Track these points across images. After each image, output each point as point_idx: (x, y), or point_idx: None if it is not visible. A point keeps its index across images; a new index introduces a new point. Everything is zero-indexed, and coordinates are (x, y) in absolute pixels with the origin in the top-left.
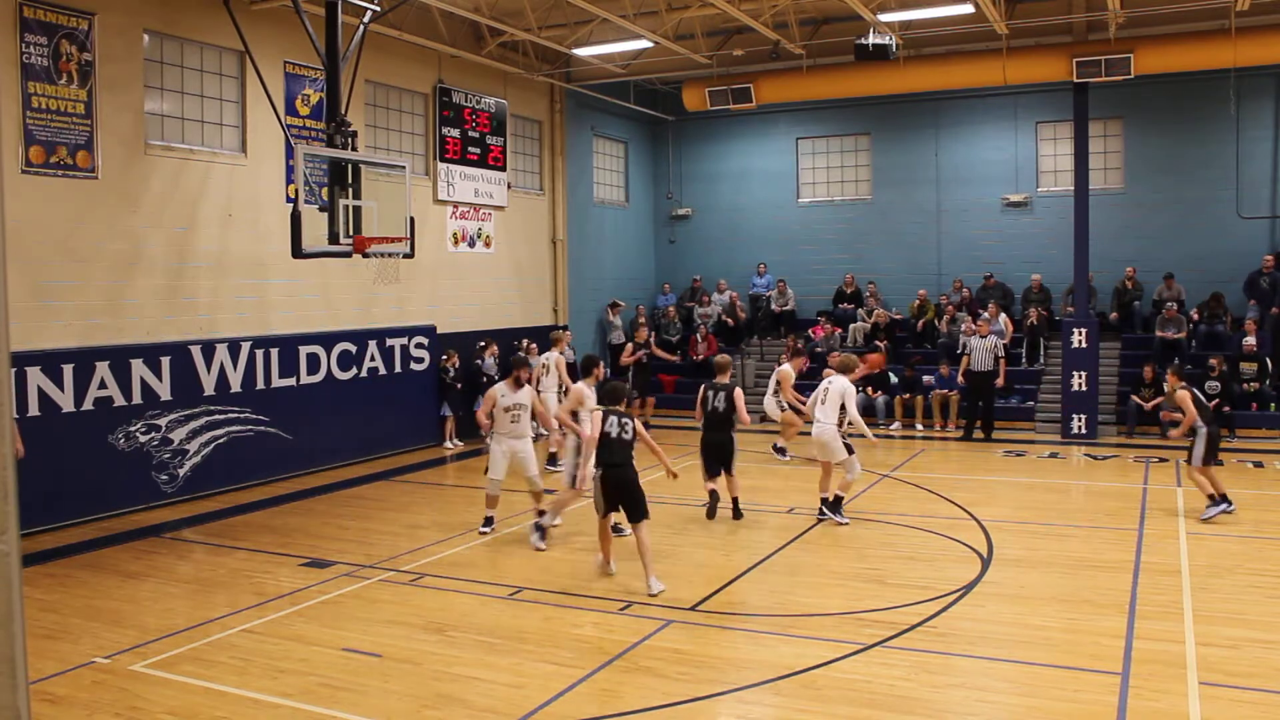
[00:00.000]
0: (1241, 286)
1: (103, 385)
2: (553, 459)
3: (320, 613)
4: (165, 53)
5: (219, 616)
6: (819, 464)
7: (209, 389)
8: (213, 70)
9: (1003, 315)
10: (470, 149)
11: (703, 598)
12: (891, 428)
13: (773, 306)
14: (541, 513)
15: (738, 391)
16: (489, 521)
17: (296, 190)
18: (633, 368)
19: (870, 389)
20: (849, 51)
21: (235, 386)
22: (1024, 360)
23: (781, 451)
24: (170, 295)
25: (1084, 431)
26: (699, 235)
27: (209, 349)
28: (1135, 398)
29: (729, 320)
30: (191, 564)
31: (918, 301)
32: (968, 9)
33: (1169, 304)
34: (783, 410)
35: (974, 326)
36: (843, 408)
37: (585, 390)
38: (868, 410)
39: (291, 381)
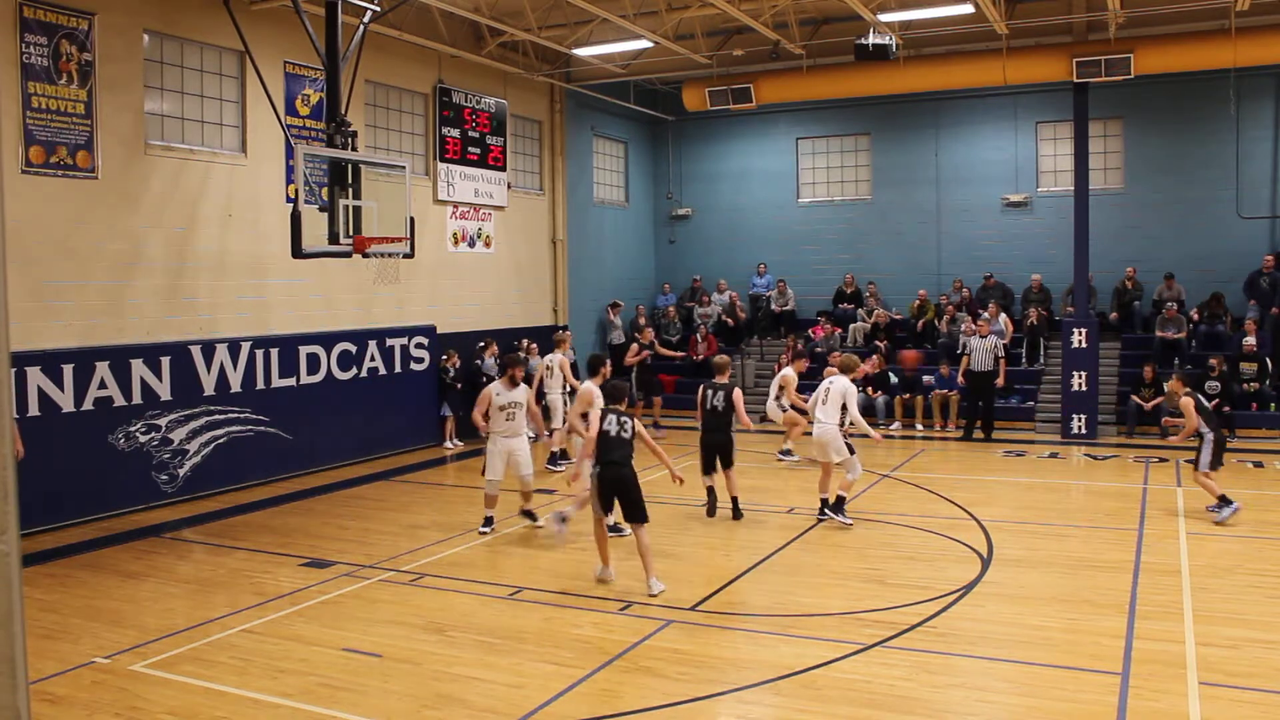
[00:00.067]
0: (1241, 286)
1: (103, 385)
2: (553, 458)
3: (320, 613)
4: (165, 53)
5: (219, 616)
6: (819, 464)
7: (209, 389)
8: (213, 70)
9: (1003, 315)
10: (470, 149)
11: (703, 598)
12: (891, 428)
13: (773, 306)
14: (527, 511)
15: (737, 391)
16: (489, 521)
17: (296, 190)
18: (636, 368)
19: (870, 389)
20: (849, 51)
21: (235, 386)
22: (1024, 360)
23: (788, 453)
24: (170, 295)
25: (1084, 431)
26: (699, 235)
27: (209, 349)
28: (1135, 398)
29: (729, 320)
30: (191, 564)
31: (918, 301)
32: (968, 9)
33: (1169, 304)
34: (784, 412)
35: (974, 326)
36: (844, 408)
37: (594, 389)
38: (868, 410)
39: (291, 381)
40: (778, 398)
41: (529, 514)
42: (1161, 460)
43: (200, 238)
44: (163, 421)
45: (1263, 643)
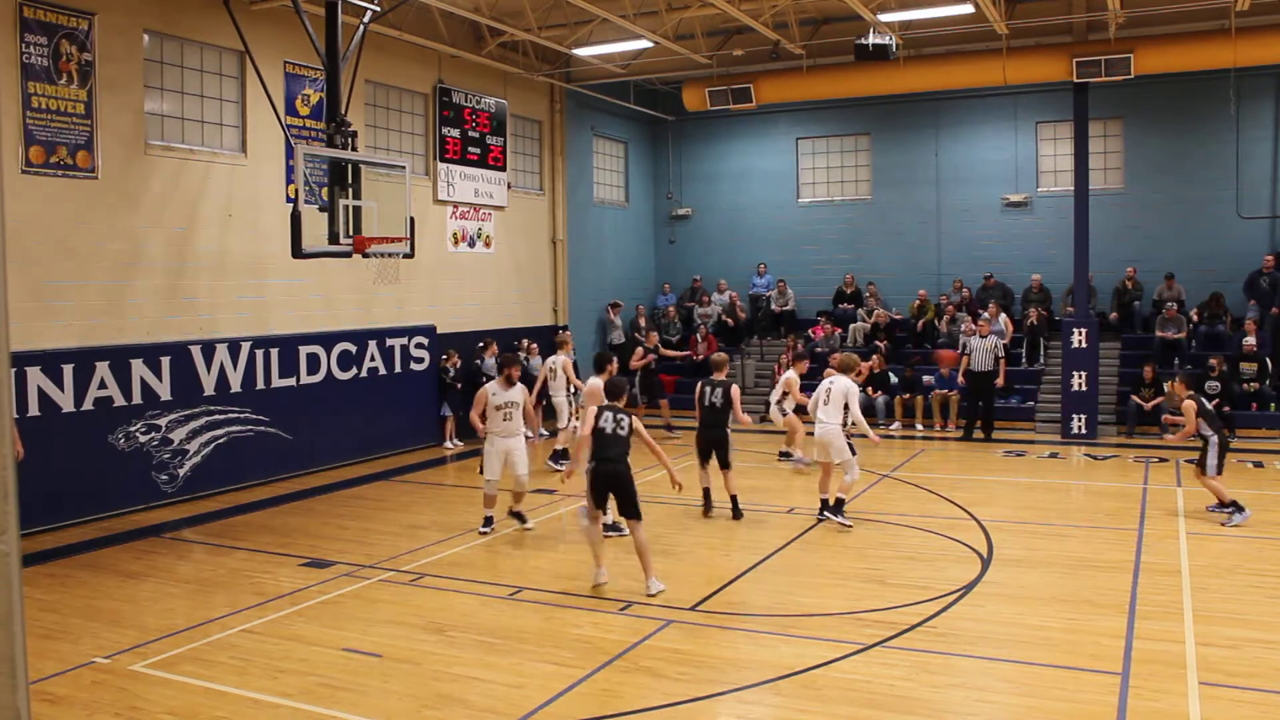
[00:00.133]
0: (1241, 286)
1: (103, 385)
2: (556, 456)
3: (320, 613)
4: (165, 53)
5: (219, 616)
6: (819, 464)
7: (209, 389)
8: (213, 70)
9: (1003, 315)
10: (470, 149)
11: (703, 598)
12: (891, 428)
13: (773, 306)
14: (517, 513)
15: (734, 388)
16: (489, 521)
17: (296, 190)
18: (640, 372)
19: (870, 389)
20: (849, 51)
21: (235, 386)
22: (1024, 360)
23: (789, 457)
24: (170, 295)
25: (1084, 431)
26: (699, 235)
27: (209, 349)
28: (1135, 398)
29: (729, 320)
30: (191, 564)
31: (918, 301)
32: (968, 9)
33: (1169, 304)
34: (784, 416)
35: (974, 326)
36: (845, 408)
37: (600, 385)
38: (868, 410)
39: (291, 381)
40: (780, 401)
41: (518, 515)
42: (1161, 460)
43: (200, 238)
44: (163, 421)
45: (1263, 643)
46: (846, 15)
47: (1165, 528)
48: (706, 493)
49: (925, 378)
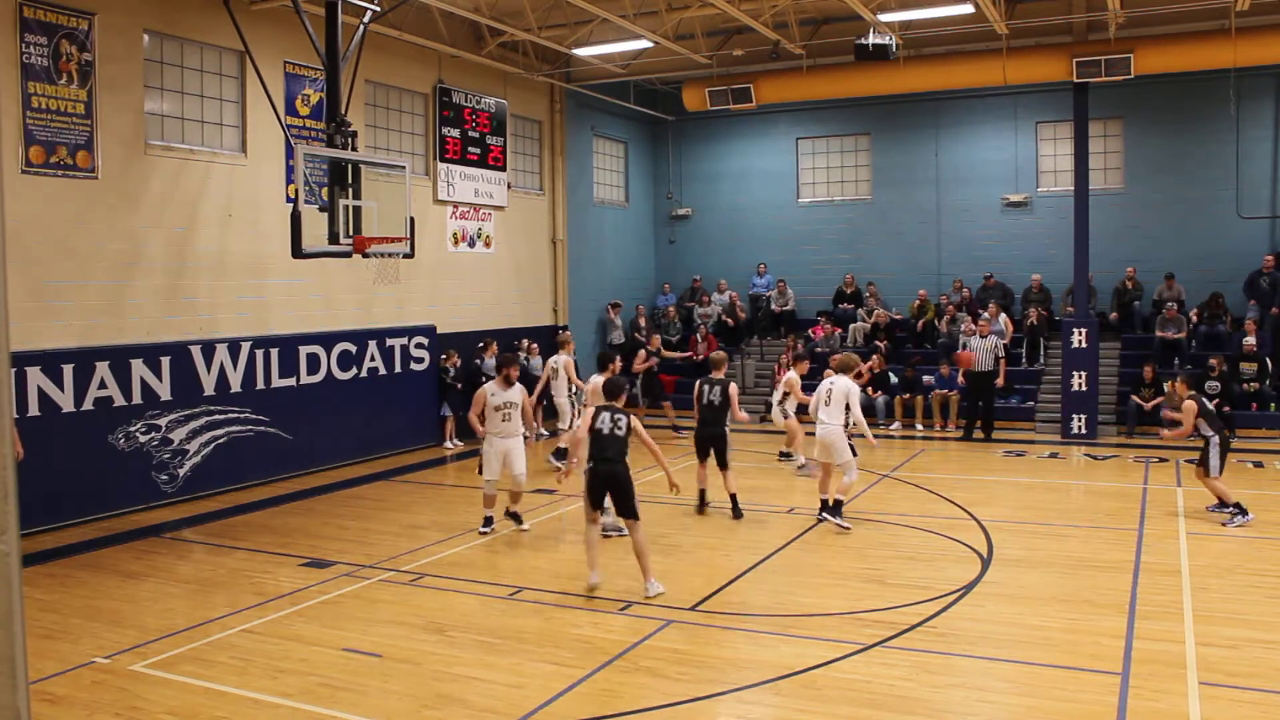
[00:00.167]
0: (1241, 286)
1: (103, 385)
2: (559, 454)
3: (320, 613)
4: (165, 53)
5: (219, 616)
6: (821, 465)
7: (209, 389)
8: (213, 70)
9: (1003, 315)
10: (470, 149)
11: (703, 598)
12: (891, 428)
13: (773, 306)
14: (513, 514)
15: (732, 386)
16: (488, 521)
17: (296, 190)
18: (642, 375)
19: (871, 389)
20: (849, 51)
21: (235, 386)
22: (1024, 360)
23: (790, 458)
24: (170, 295)
25: (1084, 431)
26: (699, 235)
27: (209, 349)
28: (1135, 398)
29: (729, 320)
30: (191, 564)
31: (918, 301)
32: (968, 9)
33: (1169, 304)
34: (786, 418)
35: (974, 327)
36: (846, 408)
37: (601, 384)
38: (868, 410)
39: (291, 381)
40: (781, 402)
41: (515, 516)
42: (1161, 460)
43: (200, 238)
44: (163, 421)
45: (1263, 643)
46: (846, 15)
47: (1165, 528)
48: (702, 493)
49: (925, 378)
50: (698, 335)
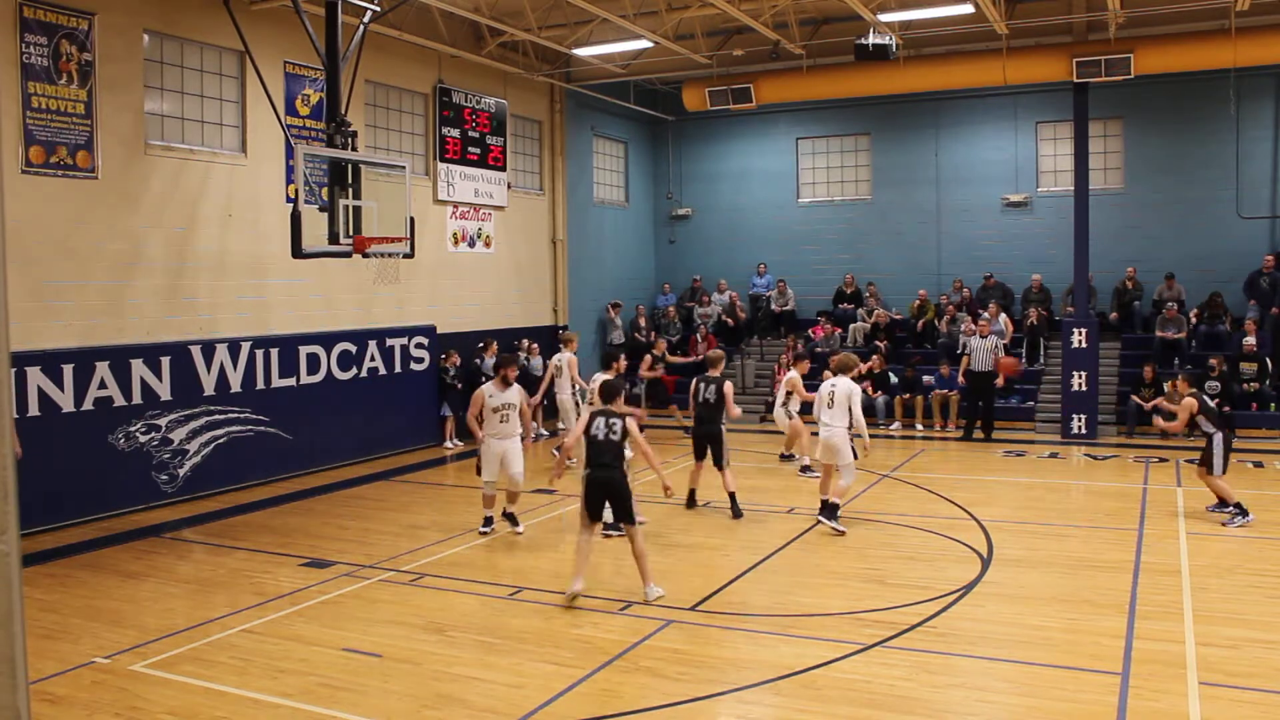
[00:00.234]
0: (1241, 286)
1: (103, 385)
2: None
3: (320, 613)
4: (165, 53)
5: (219, 616)
6: (823, 466)
7: (209, 389)
8: (213, 70)
9: (1003, 315)
10: (470, 149)
11: (703, 598)
12: (891, 428)
13: (773, 306)
14: (510, 515)
15: (727, 385)
16: (488, 521)
17: (296, 190)
18: (646, 380)
19: (870, 389)
20: (849, 51)
21: (235, 386)
22: (1024, 360)
23: (791, 459)
24: (170, 295)
25: (1084, 431)
26: (699, 235)
27: (209, 349)
28: (1135, 398)
29: (729, 320)
30: (191, 564)
31: (918, 301)
32: (968, 9)
33: (1169, 304)
34: (790, 418)
35: (974, 327)
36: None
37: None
38: (868, 410)
39: (291, 381)
40: (784, 403)
41: (511, 517)
42: (1161, 460)
43: (200, 238)
44: (163, 421)
45: (1263, 643)
46: (846, 15)
47: (1165, 528)
48: (691, 492)
49: (925, 378)
50: (698, 335)
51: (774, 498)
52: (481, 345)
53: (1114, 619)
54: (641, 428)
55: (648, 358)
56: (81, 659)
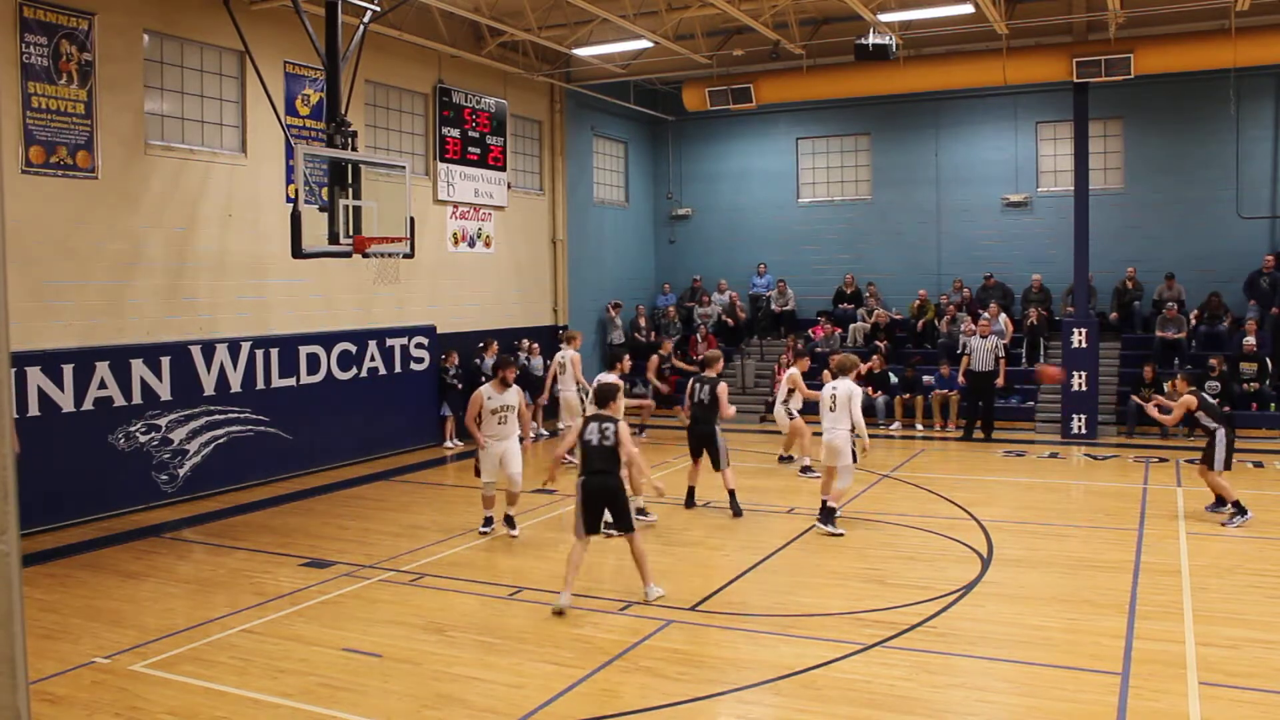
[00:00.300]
0: (1241, 286)
1: (103, 385)
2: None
3: (320, 613)
4: (165, 53)
5: (219, 616)
6: (825, 467)
7: (209, 389)
8: (213, 70)
9: (1003, 315)
10: (470, 149)
11: (703, 598)
12: (891, 428)
13: (773, 306)
14: (508, 517)
15: (721, 385)
16: (488, 522)
17: (296, 190)
18: (653, 384)
19: (870, 389)
20: (849, 51)
21: (235, 386)
22: (1024, 360)
23: (791, 460)
24: (170, 295)
25: (1084, 431)
26: (699, 235)
27: (209, 349)
28: (1135, 398)
29: (729, 320)
30: (191, 564)
31: (918, 301)
32: (968, 9)
33: (1169, 304)
34: (791, 418)
35: (974, 327)
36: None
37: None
38: (868, 410)
39: (291, 381)
40: (785, 401)
41: (508, 519)
42: (1161, 460)
43: (200, 238)
44: (163, 421)
45: (1263, 643)
46: (846, 15)
47: (1165, 528)
48: (690, 490)
49: (925, 378)
50: (698, 335)
51: (774, 498)
52: (481, 345)
53: (1114, 619)
54: (644, 428)
55: (654, 358)
56: (81, 659)
